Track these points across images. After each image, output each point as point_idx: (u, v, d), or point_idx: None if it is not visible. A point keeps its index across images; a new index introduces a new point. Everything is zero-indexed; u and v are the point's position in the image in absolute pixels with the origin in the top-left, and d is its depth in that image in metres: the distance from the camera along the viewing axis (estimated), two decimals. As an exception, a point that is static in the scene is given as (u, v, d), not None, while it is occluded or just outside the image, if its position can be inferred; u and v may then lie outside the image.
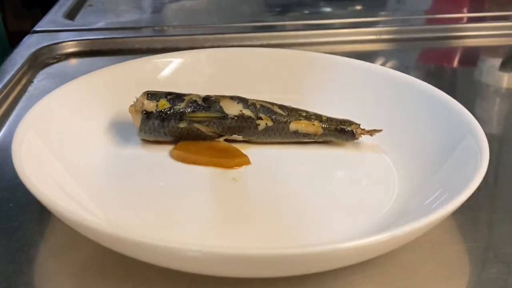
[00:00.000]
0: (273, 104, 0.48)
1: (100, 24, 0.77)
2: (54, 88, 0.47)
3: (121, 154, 0.45)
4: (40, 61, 0.66)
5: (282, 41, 0.72)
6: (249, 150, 0.46)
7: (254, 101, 0.47)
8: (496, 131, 0.54)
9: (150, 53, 0.58)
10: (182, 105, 0.46)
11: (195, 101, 0.46)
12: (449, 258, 0.36)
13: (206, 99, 0.47)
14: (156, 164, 0.45)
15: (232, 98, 0.47)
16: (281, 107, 0.48)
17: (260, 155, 0.46)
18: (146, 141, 0.47)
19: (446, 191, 0.37)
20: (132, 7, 0.88)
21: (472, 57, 0.75)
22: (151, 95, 0.46)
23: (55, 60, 0.67)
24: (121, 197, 0.40)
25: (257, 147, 0.47)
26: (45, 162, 0.40)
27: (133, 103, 0.46)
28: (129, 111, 0.46)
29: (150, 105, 0.45)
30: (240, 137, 0.47)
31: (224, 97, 0.47)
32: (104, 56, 0.69)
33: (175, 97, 0.46)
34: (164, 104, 0.45)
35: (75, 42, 0.70)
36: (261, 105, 0.47)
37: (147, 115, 0.45)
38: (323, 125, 0.47)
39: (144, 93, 0.46)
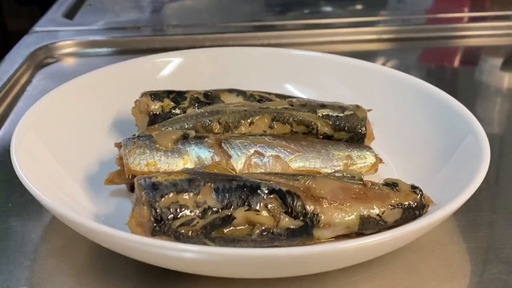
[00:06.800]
0: (270, 93, 0.48)
1: (99, 24, 0.77)
2: (53, 88, 0.47)
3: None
4: (39, 60, 0.66)
5: (282, 40, 0.72)
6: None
7: (252, 92, 0.48)
8: (497, 131, 0.54)
9: (150, 52, 0.58)
10: (186, 103, 0.46)
11: (197, 98, 0.46)
12: (450, 258, 0.36)
13: (206, 95, 0.47)
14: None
15: (230, 91, 0.47)
16: (278, 96, 0.48)
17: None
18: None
19: (447, 191, 0.36)
20: (131, 6, 0.87)
21: (473, 56, 0.74)
22: (154, 96, 0.45)
23: (54, 60, 0.67)
24: (121, 198, 0.40)
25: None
26: (44, 162, 0.40)
27: (135, 104, 0.46)
28: (133, 113, 0.45)
29: (156, 106, 0.45)
30: None
31: (222, 91, 0.47)
32: (104, 56, 0.69)
33: (177, 96, 0.46)
34: (168, 104, 0.45)
35: (74, 41, 0.70)
36: (259, 95, 0.47)
37: (154, 116, 0.45)
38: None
39: (146, 94, 0.46)
